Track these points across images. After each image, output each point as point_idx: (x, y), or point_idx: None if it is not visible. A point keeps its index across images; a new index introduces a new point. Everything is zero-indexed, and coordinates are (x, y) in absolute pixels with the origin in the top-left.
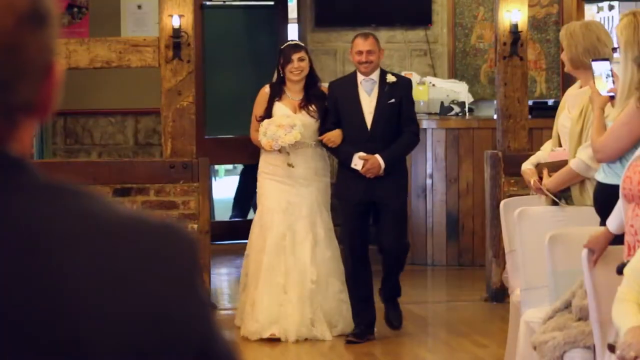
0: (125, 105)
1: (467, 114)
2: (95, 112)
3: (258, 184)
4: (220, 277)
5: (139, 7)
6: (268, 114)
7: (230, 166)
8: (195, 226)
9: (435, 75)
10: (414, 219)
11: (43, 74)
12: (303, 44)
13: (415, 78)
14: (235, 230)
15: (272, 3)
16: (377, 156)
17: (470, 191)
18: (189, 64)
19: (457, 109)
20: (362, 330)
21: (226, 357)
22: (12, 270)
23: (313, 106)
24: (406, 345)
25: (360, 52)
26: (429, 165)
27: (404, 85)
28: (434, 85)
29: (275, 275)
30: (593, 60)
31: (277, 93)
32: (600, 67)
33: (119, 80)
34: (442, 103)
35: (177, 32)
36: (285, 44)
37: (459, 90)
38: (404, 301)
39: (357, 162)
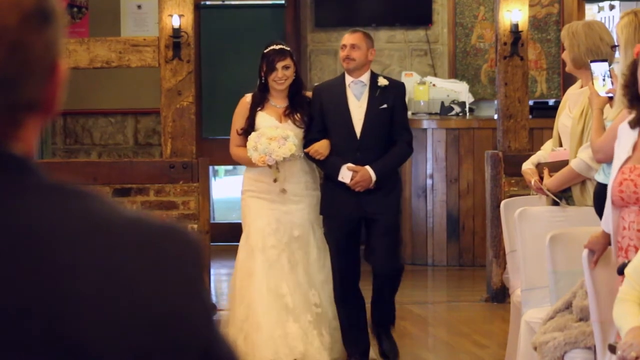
0: (125, 105)
1: (468, 113)
2: (95, 112)
3: (242, 203)
4: (220, 278)
5: (139, 7)
6: (251, 125)
7: (230, 167)
8: (195, 226)
9: (435, 75)
10: (414, 219)
11: (48, 72)
12: (288, 48)
13: (415, 78)
14: (236, 231)
15: (282, 2)
16: (368, 168)
17: (470, 191)
18: (189, 64)
19: (457, 109)
20: (357, 359)
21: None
22: (16, 271)
23: (298, 115)
24: (406, 345)
25: (343, 47)
26: (429, 165)
27: (397, 89)
28: (434, 85)
29: (276, 299)
30: (592, 61)
31: (259, 102)
32: (599, 68)
33: (119, 80)
34: (442, 103)
35: (177, 32)
36: (269, 48)
37: (460, 90)
38: (404, 301)
39: (345, 174)
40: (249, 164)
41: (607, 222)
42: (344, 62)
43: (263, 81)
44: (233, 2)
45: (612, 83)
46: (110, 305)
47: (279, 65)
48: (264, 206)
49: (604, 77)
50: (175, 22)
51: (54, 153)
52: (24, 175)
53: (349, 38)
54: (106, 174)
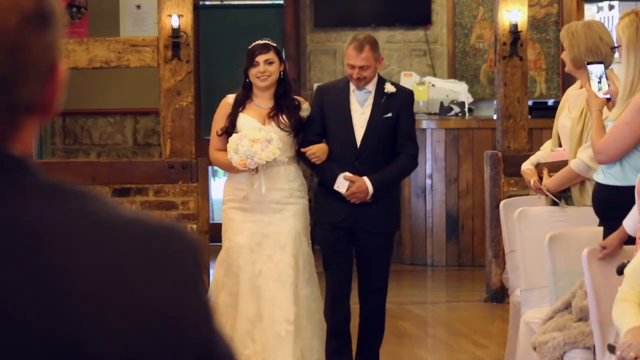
0: (124, 105)
1: (467, 114)
2: (94, 112)
3: (223, 215)
4: None
5: (138, 7)
6: (232, 125)
7: None
8: (195, 226)
9: (435, 75)
10: (413, 219)
11: (46, 74)
12: (275, 44)
13: (414, 78)
14: None
15: (281, 2)
16: (365, 179)
17: (470, 191)
18: (188, 64)
19: (456, 109)
20: None
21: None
22: (14, 271)
23: (284, 117)
24: (406, 345)
25: (352, 67)
26: (428, 165)
27: (405, 97)
28: (433, 85)
29: (243, 321)
30: (588, 63)
31: (241, 102)
32: (595, 70)
33: (118, 80)
34: (441, 103)
35: (176, 32)
36: (253, 44)
37: (459, 91)
38: (404, 301)
39: (342, 183)
40: (230, 169)
41: (628, 222)
42: (354, 81)
43: (247, 80)
44: (232, 2)
45: (609, 85)
46: (109, 306)
47: (260, 59)
48: (245, 219)
49: (599, 79)
50: (175, 22)
51: (53, 153)
52: (23, 175)
53: (357, 59)
54: (105, 174)
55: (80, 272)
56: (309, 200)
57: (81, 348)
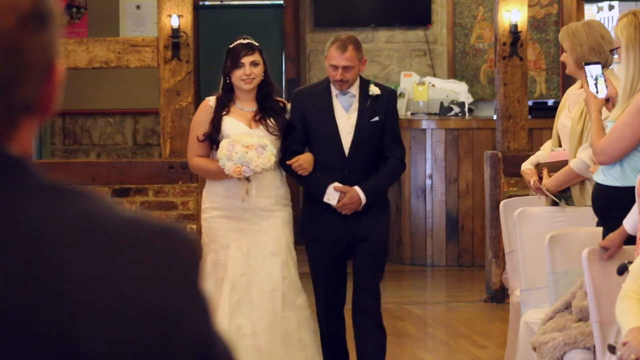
0: (124, 105)
1: (467, 114)
2: (94, 113)
3: (205, 224)
4: None
5: (138, 7)
6: (216, 130)
7: None
8: (194, 227)
9: (434, 75)
10: (413, 219)
11: (44, 74)
12: (257, 44)
13: (414, 78)
14: None
15: (281, 2)
16: (357, 188)
17: (469, 192)
18: (188, 64)
19: (456, 109)
20: None
21: None
22: (13, 271)
23: (272, 120)
24: (406, 345)
25: (335, 67)
26: (428, 165)
27: (389, 98)
28: (433, 85)
29: (242, 335)
30: (586, 64)
31: (225, 104)
32: (593, 71)
33: (118, 80)
34: (441, 103)
35: (176, 32)
36: (235, 43)
37: (459, 91)
38: (404, 302)
39: (332, 195)
40: (214, 176)
41: (628, 221)
42: (337, 84)
43: (227, 81)
44: (232, 3)
45: (606, 86)
46: (108, 306)
47: (246, 60)
48: (231, 227)
49: (596, 80)
50: (174, 22)
51: (53, 153)
52: (22, 176)
53: (340, 59)
54: (105, 174)
55: (80, 273)
56: (294, 216)
57: (80, 348)
